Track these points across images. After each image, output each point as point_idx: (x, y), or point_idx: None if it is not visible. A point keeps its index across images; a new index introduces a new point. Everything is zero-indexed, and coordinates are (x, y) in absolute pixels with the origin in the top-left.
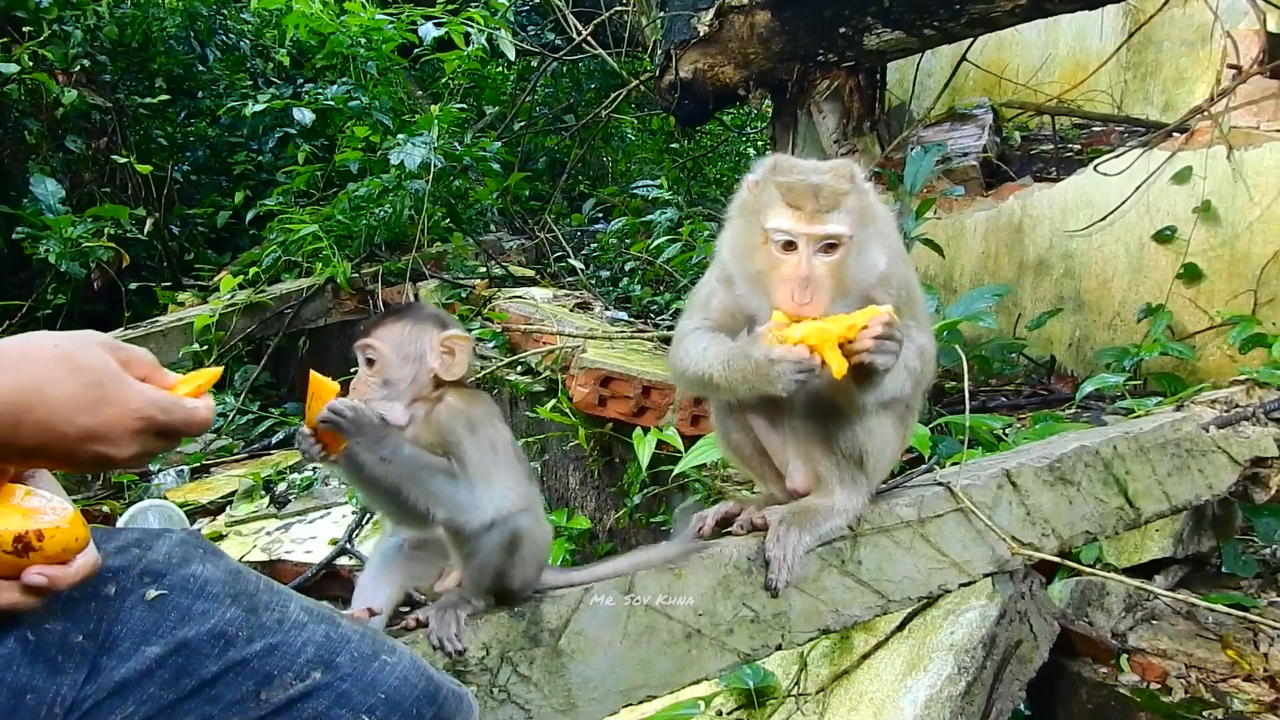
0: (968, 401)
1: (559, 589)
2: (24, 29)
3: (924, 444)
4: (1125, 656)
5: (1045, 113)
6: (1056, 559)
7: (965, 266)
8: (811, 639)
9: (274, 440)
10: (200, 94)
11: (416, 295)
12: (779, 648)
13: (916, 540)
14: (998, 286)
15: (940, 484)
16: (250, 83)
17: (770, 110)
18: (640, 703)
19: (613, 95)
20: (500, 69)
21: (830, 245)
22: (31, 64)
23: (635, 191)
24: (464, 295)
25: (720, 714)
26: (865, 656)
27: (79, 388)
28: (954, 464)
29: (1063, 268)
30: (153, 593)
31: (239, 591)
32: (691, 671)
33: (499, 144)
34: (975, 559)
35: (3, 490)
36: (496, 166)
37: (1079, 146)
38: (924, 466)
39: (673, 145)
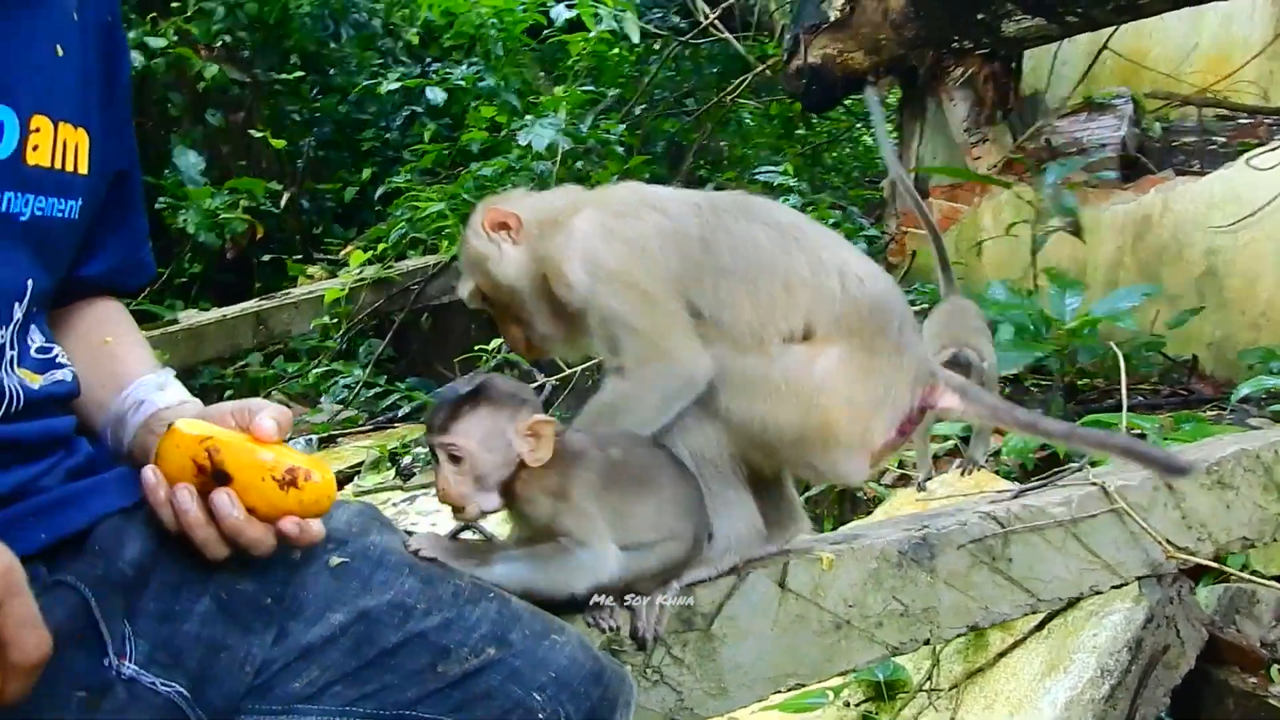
0: (1125, 401)
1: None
2: (171, 4)
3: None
4: (1276, 667)
5: (1190, 104)
6: (1213, 564)
7: (1099, 260)
8: (960, 635)
9: (399, 414)
10: (332, 71)
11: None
12: (927, 642)
13: (1069, 540)
14: (1146, 286)
15: (1094, 484)
16: (380, 61)
17: (899, 98)
18: (789, 690)
19: (737, 80)
20: (622, 52)
21: None
22: (176, 39)
23: (757, 177)
24: None
25: (848, 705)
26: (1002, 655)
27: None
28: (1101, 465)
29: (1205, 264)
30: (336, 560)
31: (414, 563)
32: (840, 661)
33: (622, 127)
34: (1128, 561)
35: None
36: (620, 149)
37: (1224, 139)
38: (1075, 465)
39: (797, 131)
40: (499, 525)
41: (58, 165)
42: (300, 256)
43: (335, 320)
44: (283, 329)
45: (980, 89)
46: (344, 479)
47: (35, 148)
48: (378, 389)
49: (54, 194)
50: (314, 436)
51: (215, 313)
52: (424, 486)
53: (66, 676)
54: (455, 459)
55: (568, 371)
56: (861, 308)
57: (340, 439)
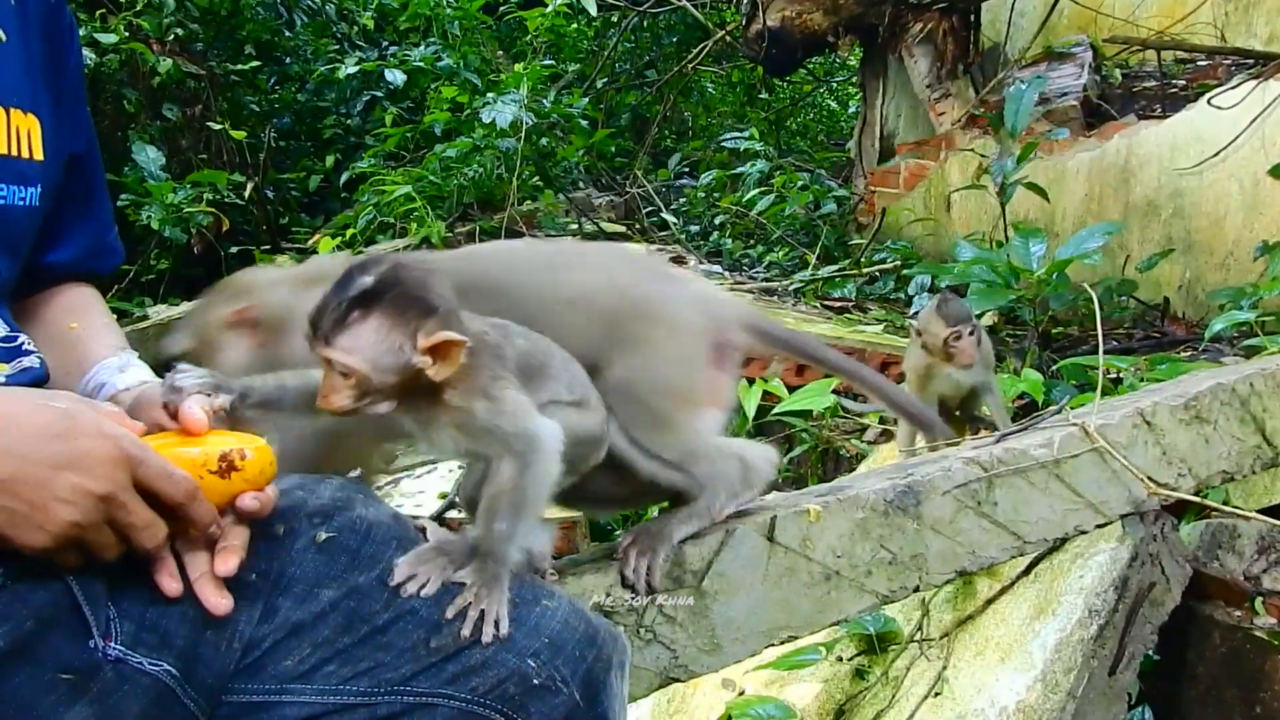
0: (1101, 342)
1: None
2: (119, 0)
3: (1037, 389)
4: (1260, 600)
5: (1148, 47)
6: (1195, 499)
7: (1068, 210)
8: (949, 580)
9: None
10: (288, 60)
11: None
12: (917, 589)
13: (1051, 481)
14: (1108, 224)
15: (1074, 424)
16: (336, 47)
17: (859, 57)
18: (783, 643)
19: (697, 48)
20: (580, 26)
21: None
22: (128, 34)
23: (723, 144)
24: None
25: (841, 659)
26: (990, 601)
27: (52, 415)
28: (1081, 404)
29: (1172, 207)
30: (323, 535)
31: (402, 536)
32: (832, 612)
33: (585, 100)
34: (1111, 499)
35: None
36: (584, 123)
37: (1184, 82)
38: (1053, 409)
39: (761, 97)
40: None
41: (12, 152)
42: (268, 247)
43: None
44: None
45: (940, 44)
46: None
47: None
48: None
49: (12, 181)
50: None
51: (186, 306)
52: (407, 468)
53: (51, 660)
54: (343, 373)
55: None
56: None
57: None
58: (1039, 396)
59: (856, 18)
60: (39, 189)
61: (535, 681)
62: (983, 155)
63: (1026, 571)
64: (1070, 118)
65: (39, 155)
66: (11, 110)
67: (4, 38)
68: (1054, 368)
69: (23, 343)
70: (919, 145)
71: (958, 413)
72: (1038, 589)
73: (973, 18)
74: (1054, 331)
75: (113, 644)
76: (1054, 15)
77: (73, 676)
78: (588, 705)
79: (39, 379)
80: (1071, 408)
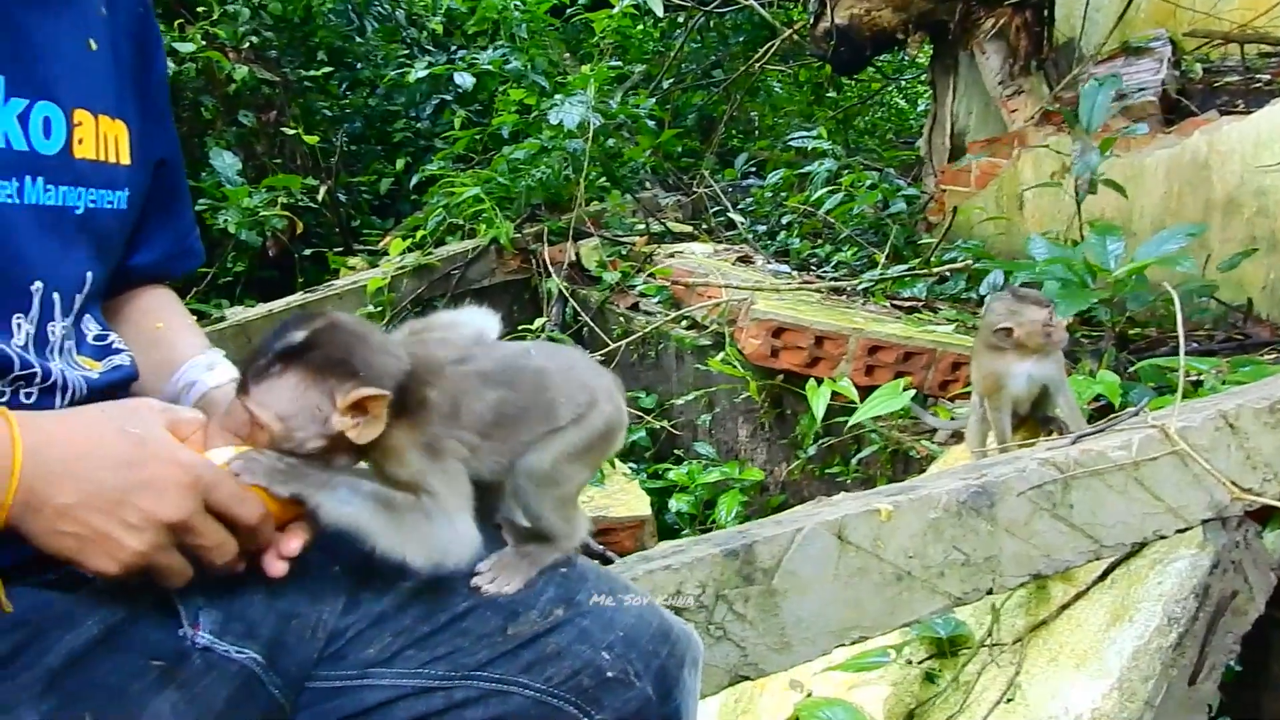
0: (1182, 343)
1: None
2: (196, 9)
3: (1114, 391)
4: None
5: (1231, 41)
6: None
7: (1146, 208)
8: (1023, 583)
9: None
10: (359, 65)
11: (578, 253)
12: (990, 592)
13: (1130, 484)
14: (1190, 226)
15: (1154, 426)
16: (406, 52)
17: (929, 55)
18: (853, 643)
19: (764, 47)
20: (646, 27)
21: None
22: (204, 43)
23: (790, 144)
24: (624, 252)
25: (910, 662)
26: (1064, 607)
27: (127, 443)
28: (1162, 406)
29: (1255, 205)
30: None
31: (483, 527)
32: (903, 613)
33: (651, 101)
34: (1192, 504)
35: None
36: (651, 124)
37: (1269, 76)
38: (1132, 410)
39: (829, 96)
40: None
41: (103, 157)
42: (341, 249)
43: (379, 309)
44: None
45: (1013, 40)
46: None
47: (80, 141)
48: None
49: (103, 186)
50: None
51: (262, 307)
52: None
53: (142, 648)
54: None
55: (611, 346)
56: None
57: None
58: (1115, 399)
59: (926, 14)
60: (126, 193)
61: (609, 674)
62: (1060, 152)
63: (1103, 577)
64: (1148, 114)
65: (126, 160)
66: (100, 117)
67: (95, 46)
68: (1131, 369)
69: (113, 342)
70: (990, 143)
71: (1030, 415)
72: (1114, 595)
73: (1046, 13)
74: (1132, 333)
75: (201, 633)
76: (1131, 9)
77: (162, 663)
78: (661, 701)
79: (129, 377)
80: (1151, 410)
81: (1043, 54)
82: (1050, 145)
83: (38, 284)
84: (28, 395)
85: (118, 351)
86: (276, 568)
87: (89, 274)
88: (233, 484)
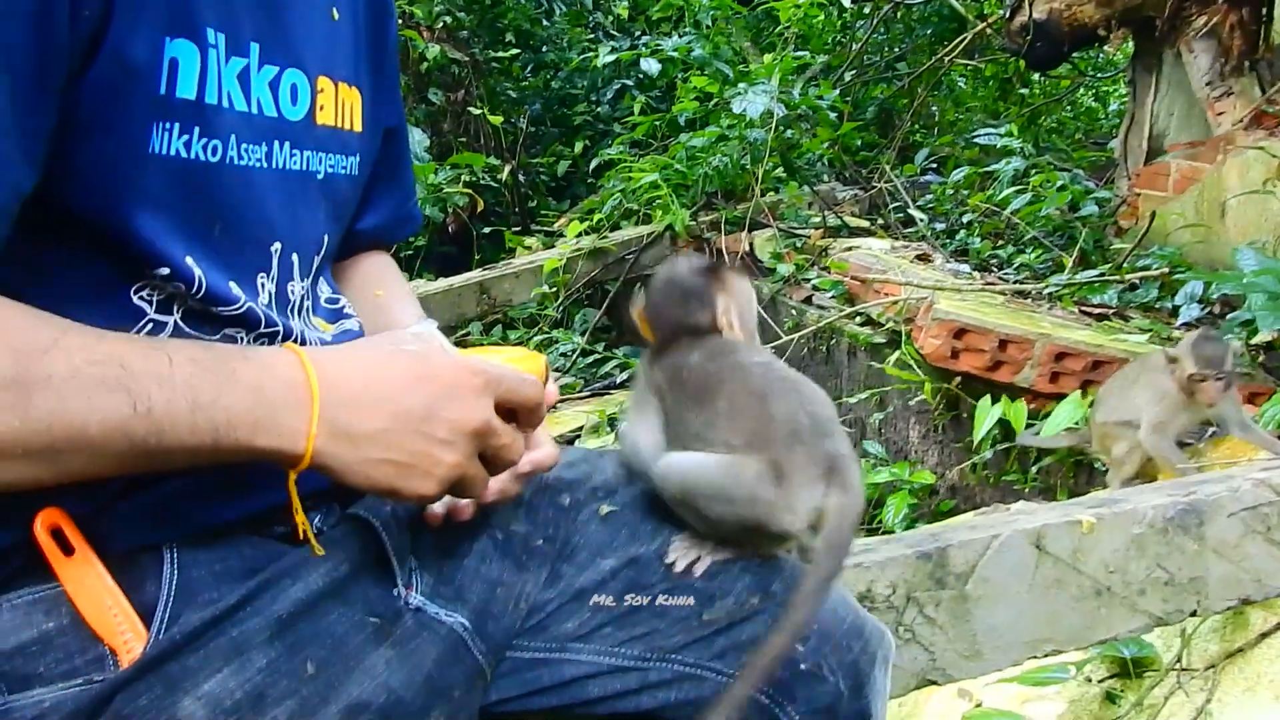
0: None
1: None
2: None
3: None
4: None
5: None
6: None
7: None
8: (1230, 608)
9: (616, 380)
10: (544, 49)
11: (752, 244)
12: (1193, 614)
13: None
14: None
15: None
16: (590, 36)
17: (1129, 52)
18: (1045, 656)
19: (956, 40)
20: (830, 19)
21: None
22: (400, 21)
23: (975, 140)
24: (799, 245)
25: (1090, 680)
26: (1265, 635)
27: (409, 359)
28: None
29: None
30: (606, 508)
31: None
32: (1100, 630)
33: (835, 92)
34: None
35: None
36: (833, 116)
37: None
38: None
39: (1020, 92)
40: None
41: (341, 124)
42: (519, 228)
43: (554, 289)
44: (504, 298)
45: (1225, 38)
46: (565, 443)
47: (322, 108)
48: (595, 356)
49: (339, 151)
50: None
51: (442, 282)
52: None
53: (362, 603)
54: None
55: (783, 339)
56: None
57: (560, 404)
58: None
59: (1132, 10)
60: (358, 158)
61: (803, 667)
62: (1276, 156)
63: None
64: None
65: (359, 127)
66: (340, 84)
67: (337, 15)
68: None
69: (344, 306)
70: (1192, 146)
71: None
72: None
73: (1265, 11)
74: None
75: (414, 593)
76: None
77: (378, 620)
78: (852, 697)
79: None
80: None
81: (1257, 54)
82: (1265, 148)
83: (277, 244)
84: None
85: (348, 316)
86: (467, 511)
87: (326, 236)
88: (511, 369)
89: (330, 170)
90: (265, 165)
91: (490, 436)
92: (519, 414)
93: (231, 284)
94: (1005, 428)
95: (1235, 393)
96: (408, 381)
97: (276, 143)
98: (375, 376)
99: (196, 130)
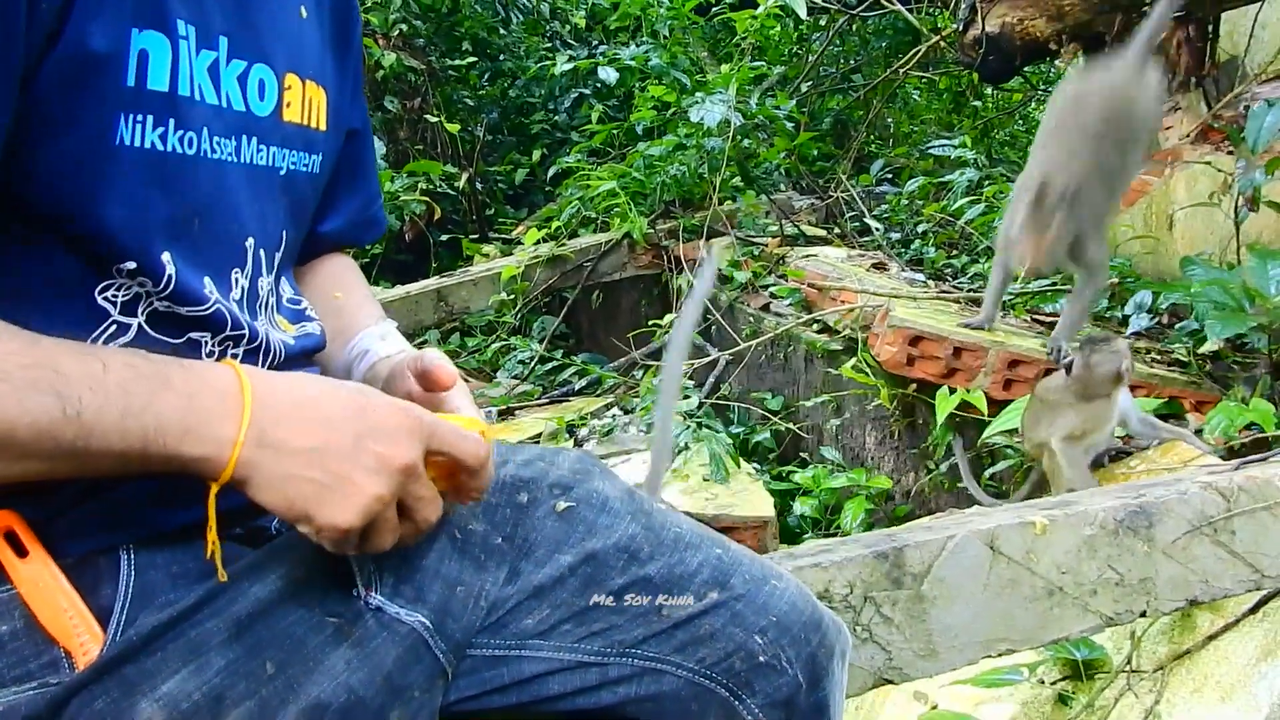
0: None
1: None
2: None
3: (1268, 420)
4: None
5: None
6: None
7: None
8: (1178, 609)
9: (575, 387)
10: (501, 57)
11: (709, 251)
12: (1143, 614)
13: None
14: None
15: None
16: (548, 45)
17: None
18: (1000, 655)
19: (910, 53)
20: (786, 30)
21: None
22: None
23: (930, 151)
24: (756, 253)
25: (1043, 683)
26: (1211, 638)
27: (347, 392)
28: None
29: None
30: (563, 504)
31: (636, 509)
32: (1053, 629)
33: (792, 103)
34: None
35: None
36: (790, 125)
37: None
38: None
39: (973, 104)
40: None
41: (306, 122)
42: (476, 236)
43: (512, 297)
44: (461, 305)
45: (1173, 55)
46: None
47: (289, 104)
48: (553, 363)
49: (303, 149)
50: (493, 409)
51: (399, 289)
52: (602, 458)
53: (321, 604)
54: None
55: (741, 346)
56: None
57: (518, 411)
58: (1269, 427)
59: (1083, 25)
60: (321, 157)
61: (761, 659)
62: (1221, 170)
63: (1255, 609)
64: None
65: (323, 126)
66: (307, 82)
67: (305, 14)
68: None
69: (306, 308)
70: None
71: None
72: (1266, 628)
73: (1210, 29)
74: None
75: (374, 594)
76: None
77: (338, 620)
78: (810, 689)
79: (318, 346)
80: None
81: (1204, 71)
82: (1210, 163)
83: (250, 239)
84: (234, 356)
85: (310, 319)
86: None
87: (284, 233)
88: (450, 425)
89: (292, 167)
90: (235, 160)
91: (412, 482)
92: (459, 475)
93: (205, 279)
94: (966, 435)
95: (1128, 391)
96: (344, 409)
97: (244, 137)
98: (312, 398)
99: (171, 122)
